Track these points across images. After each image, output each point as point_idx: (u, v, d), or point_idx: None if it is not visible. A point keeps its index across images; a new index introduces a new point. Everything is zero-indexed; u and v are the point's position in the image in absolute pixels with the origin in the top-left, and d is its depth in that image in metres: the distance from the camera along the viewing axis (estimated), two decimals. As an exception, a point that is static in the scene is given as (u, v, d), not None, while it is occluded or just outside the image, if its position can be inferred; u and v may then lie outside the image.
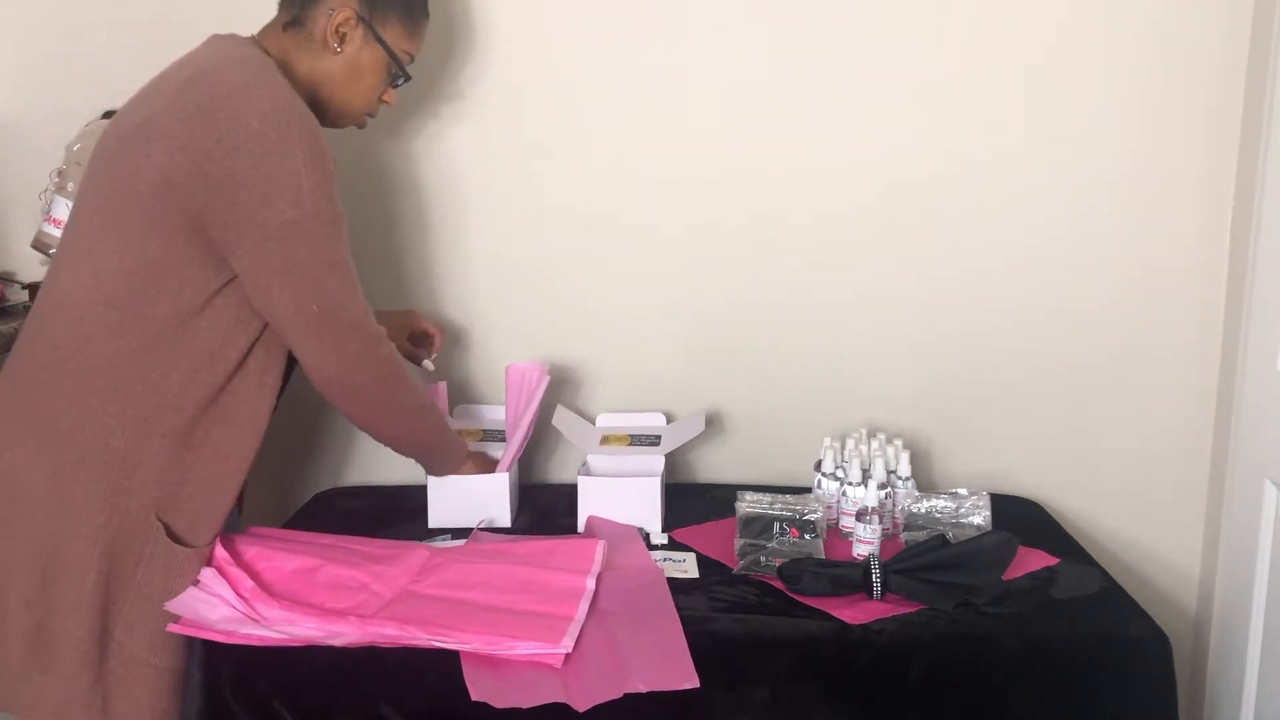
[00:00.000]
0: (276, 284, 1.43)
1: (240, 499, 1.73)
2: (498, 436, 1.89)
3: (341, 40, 1.53)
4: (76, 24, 1.94)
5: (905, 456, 1.77)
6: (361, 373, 1.51)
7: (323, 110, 1.58)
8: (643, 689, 1.30)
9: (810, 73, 1.90)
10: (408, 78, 1.61)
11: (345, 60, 1.55)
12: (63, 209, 1.78)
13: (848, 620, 1.42)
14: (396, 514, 1.83)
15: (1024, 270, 1.93)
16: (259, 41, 1.53)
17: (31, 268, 1.96)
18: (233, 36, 1.52)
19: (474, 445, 1.86)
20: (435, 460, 1.73)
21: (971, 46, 1.87)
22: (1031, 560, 1.62)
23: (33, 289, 1.89)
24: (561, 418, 1.91)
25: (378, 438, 1.64)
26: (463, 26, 1.92)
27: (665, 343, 2.00)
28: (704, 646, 1.37)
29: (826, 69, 1.89)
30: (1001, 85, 1.88)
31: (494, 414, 1.97)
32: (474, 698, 1.30)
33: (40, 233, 1.84)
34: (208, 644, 1.40)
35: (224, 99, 1.39)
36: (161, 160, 1.39)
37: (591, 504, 1.75)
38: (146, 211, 1.41)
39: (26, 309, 1.88)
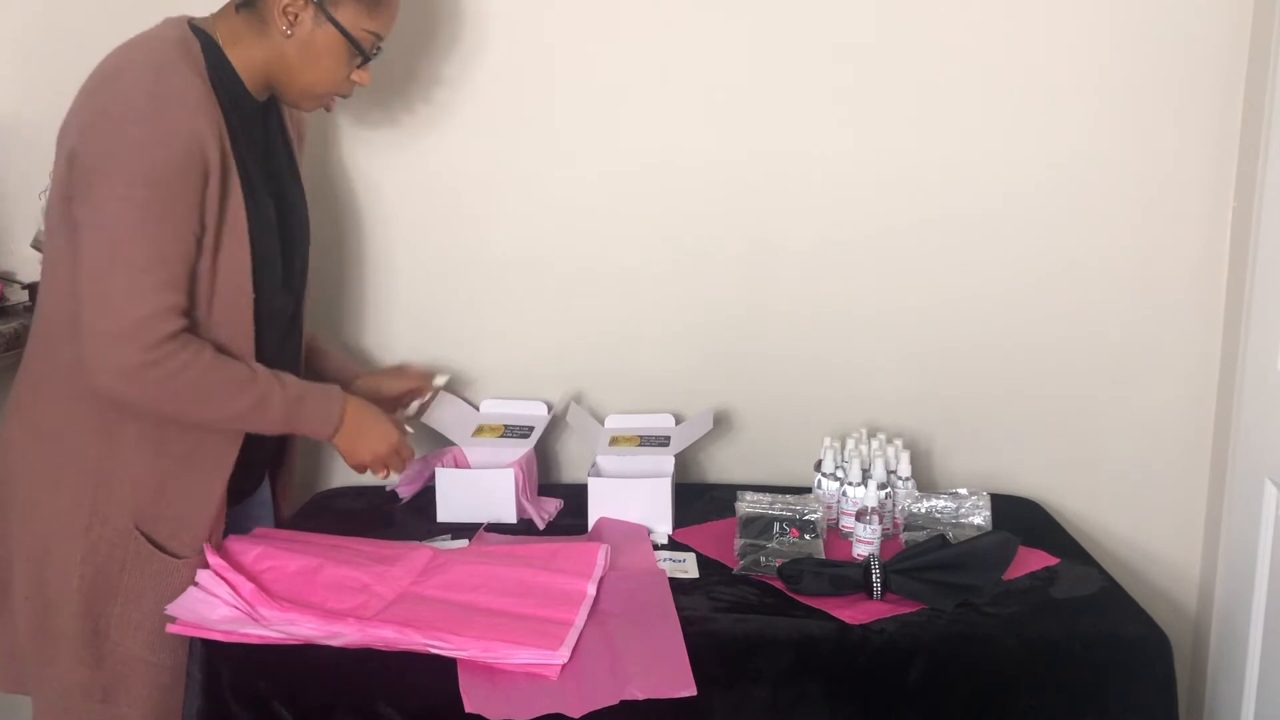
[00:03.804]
0: (78, 270, 1.36)
1: (279, 500, 1.75)
2: (519, 433, 1.89)
3: (291, 22, 1.46)
4: (76, 24, 1.94)
5: (905, 456, 1.77)
6: (128, 389, 1.37)
7: (281, 92, 1.53)
8: (640, 696, 1.30)
9: (812, 76, 1.90)
10: (367, 58, 1.52)
11: (298, 43, 1.47)
12: (63, 209, 1.79)
13: (848, 620, 1.42)
14: (396, 514, 1.83)
15: (1024, 270, 1.93)
16: (209, 23, 1.48)
17: (31, 268, 1.95)
18: (176, 19, 1.48)
19: (493, 440, 1.86)
20: (295, 433, 1.57)
21: (971, 47, 1.87)
22: (1031, 560, 1.62)
23: (32, 289, 1.90)
24: (575, 415, 1.92)
25: None
26: (466, 24, 1.92)
27: (670, 345, 2.00)
28: (704, 646, 1.38)
29: (829, 73, 1.89)
30: (1001, 86, 1.88)
31: (513, 409, 1.98)
32: (468, 709, 1.30)
33: (40, 233, 1.84)
34: (207, 644, 1.40)
35: (99, 82, 1.39)
36: (66, 147, 1.40)
37: (602, 505, 1.75)
38: (67, 208, 1.40)
39: (27, 309, 1.89)
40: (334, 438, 1.55)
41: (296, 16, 1.46)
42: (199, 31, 1.47)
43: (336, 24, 1.47)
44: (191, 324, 1.41)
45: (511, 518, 1.78)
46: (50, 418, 1.46)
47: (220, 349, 1.43)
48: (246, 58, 1.48)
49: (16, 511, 1.48)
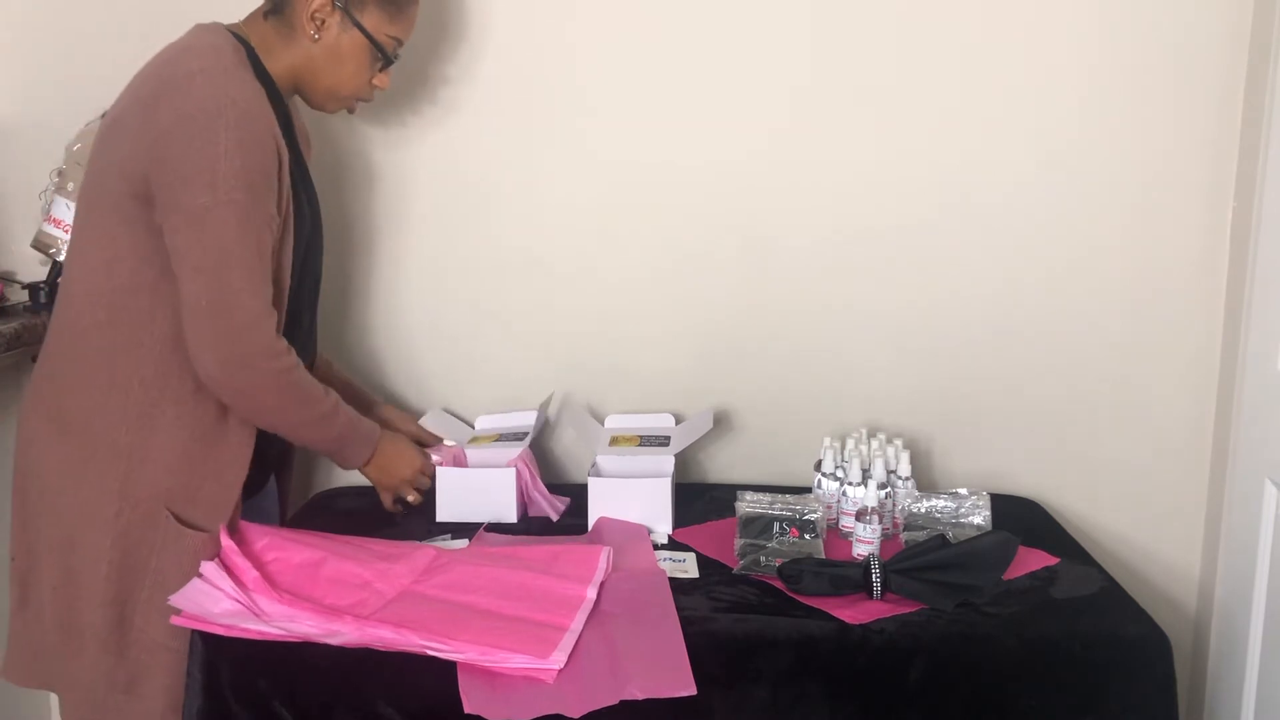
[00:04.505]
0: (181, 269, 1.42)
1: (284, 496, 1.79)
2: (513, 437, 1.89)
3: (319, 27, 1.52)
4: (76, 24, 1.94)
5: (905, 456, 1.77)
6: (242, 379, 1.45)
7: (307, 96, 1.59)
8: (639, 696, 1.30)
9: (813, 76, 1.90)
10: (389, 62, 1.59)
11: (324, 47, 1.53)
12: (63, 209, 1.79)
13: (848, 620, 1.42)
14: (396, 514, 1.83)
15: (1024, 271, 1.93)
16: (241, 29, 1.53)
17: (31, 268, 1.96)
18: (212, 25, 1.52)
19: (489, 447, 1.86)
20: (335, 458, 1.66)
21: (971, 47, 1.87)
22: (1031, 560, 1.62)
23: (33, 289, 1.90)
24: (575, 415, 1.92)
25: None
26: (467, 26, 1.92)
27: (669, 344, 2.00)
28: (704, 646, 1.38)
29: (828, 73, 1.89)
30: (1001, 84, 1.88)
31: (507, 422, 1.97)
32: (467, 709, 1.30)
33: (40, 233, 1.84)
34: (208, 643, 1.40)
35: (169, 86, 1.41)
36: (124, 151, 1.43)
37: (602, 505, 1.75)
38: (117, 205, 1.44)
39: (27, 309, 1.89)
40: (367, 465, 1.65)
41: (324, 22, 1.52)
42: (242, 39, 1.51)
43: (362, 29, 1.54)
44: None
45: (512, 517, 1.78)
46: (77, 409, 1.48)
47: None
48: (277, 63, 1.53)
49: (43, 503, 1.51)
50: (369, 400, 1.84)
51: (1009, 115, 1.88)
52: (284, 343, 1.47)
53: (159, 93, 1.42)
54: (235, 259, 1.41)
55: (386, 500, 1.74)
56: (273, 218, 1.45)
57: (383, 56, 1.57)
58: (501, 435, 1.91)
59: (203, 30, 1.51)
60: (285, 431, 1.57)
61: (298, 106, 1.67)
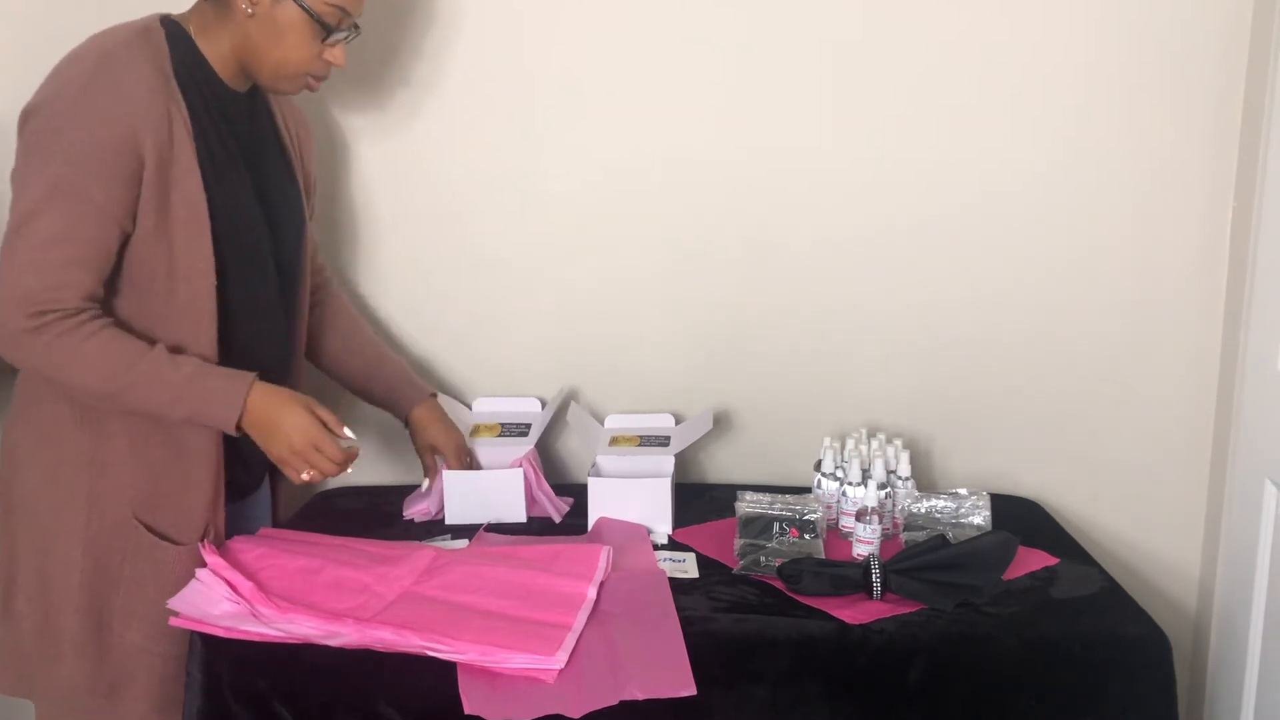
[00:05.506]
0: None
1: (277, 499, 1.75)
2: (517, 431, 1.89)
3: (252, 1, 1.46)
4: (76, 23, 1.93)
5: (905, 456, 1.77)
6: (13, 355, 1.40)
7: (255, 75, 1.53)
8: (639, 696, 1.30)
9: (811, 75, 1.90)
10: (329, 32, 1.49)
11: (260, 22, 1.46)
12: (62, 209, 1.79)
13: (848, 620, 1.42)
14: (397, 514, 1.83)
15: (1024, 271, 1.93)
16: (185, 14, 1.51)
17: (31, 268, 1.95)
18: (152, 15, 1.50)
19: (492, 440, 1.86)
20: (199, 420, 1.46)
21: (969, 46, 1.87)
22: (1031, 560, 1.62)
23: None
24: (575, 415, 1.92)
25: None
26: (467, 22, 1.92)
27: (669, 344, 2.00)
28: (704, 646, 1.38)
29: (827, 72, 1.89)
30: (1001, 83, 1.88)
31: (506, 406, 1.97)
32: (467, 710, 1.30)
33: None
34: (207, 643, 1.40)
35: (54, 70, 1.43)
36: None
37: (602, 505, 1.75)
38: None
39: (26, 309, 1.88)
40: (241, 428, 1.45)
41: None
42: (171, 24, 1.48)
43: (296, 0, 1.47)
44: (109, 309, 1.43)
45: (521, 517, 1.78)
46: (49, 416, 1.48)
47: (182, 339, 1.45)
48: (216, 45, 1.50)
49: (21, 510, 1.50)
50: (411, 391, 1.81)
51: (1008, 116, 1.88)
52: (63, 313, 1.36)
53: (47, 78, 1.43)
54: (27, 232, 1.35)
55: (290, 475, 1.50)
56: (106, 205, 1.37)
57: (324, 29, 1.48)
58: (504, 426, 1.91)
59: (146, 17, 1.49)
60: (121, 405, 1.43)
61: (279, 96, 1.63)
